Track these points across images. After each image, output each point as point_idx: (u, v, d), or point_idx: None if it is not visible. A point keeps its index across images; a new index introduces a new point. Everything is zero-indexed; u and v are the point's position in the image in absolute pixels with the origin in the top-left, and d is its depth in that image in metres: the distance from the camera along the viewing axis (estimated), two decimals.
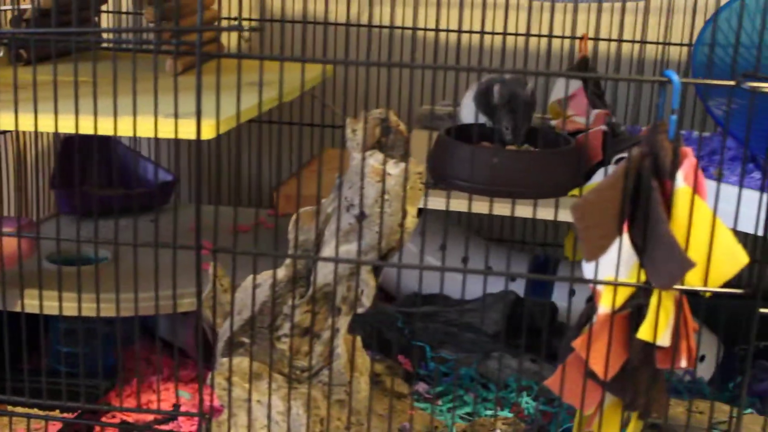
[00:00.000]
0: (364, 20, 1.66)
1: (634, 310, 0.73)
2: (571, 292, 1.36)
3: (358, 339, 0.93)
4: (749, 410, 1.06)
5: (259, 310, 0.95)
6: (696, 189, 0.70)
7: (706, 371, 1.22)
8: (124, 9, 1.67)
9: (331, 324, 0.92)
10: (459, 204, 1.12)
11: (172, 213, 1.50)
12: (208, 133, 0.92)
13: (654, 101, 1.55)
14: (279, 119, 1.50)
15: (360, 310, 0.89)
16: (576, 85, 1.43)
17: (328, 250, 0.91)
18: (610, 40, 1.52)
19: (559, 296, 1.36)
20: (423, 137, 1.40)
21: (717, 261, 0.70)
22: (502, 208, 1.11)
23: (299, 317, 0.93)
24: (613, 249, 0.72)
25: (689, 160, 0.70)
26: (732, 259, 0.70)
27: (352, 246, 0.89)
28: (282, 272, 0.96)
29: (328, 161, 1.04)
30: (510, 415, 1.09)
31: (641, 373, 0.75)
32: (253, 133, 1.73)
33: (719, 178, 0.96)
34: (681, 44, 1.54)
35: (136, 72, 0.83)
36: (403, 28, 1.67)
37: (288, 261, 0.95)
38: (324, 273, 0.91)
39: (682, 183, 0.70)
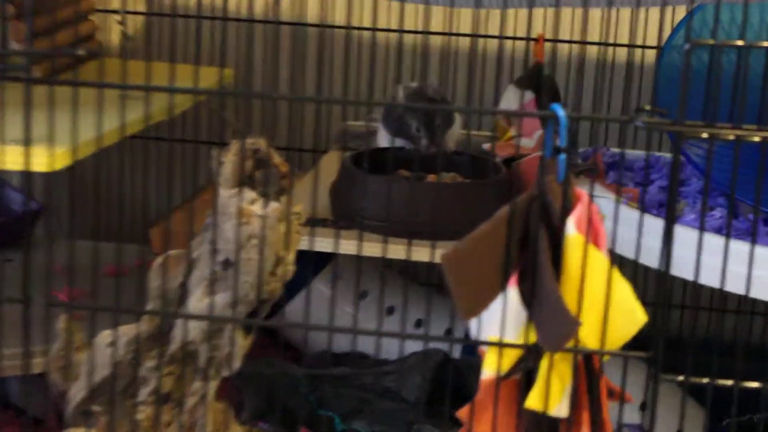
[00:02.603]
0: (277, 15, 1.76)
1: (524, 374, 0.83)
2: None
3: (228, 408, 1.02)
4: None
5: (116, 373, 1.04)
6: (591, 237, 0.80)
7: None
8: None
9: (198, 389, 1.00)
10: (370, 248, 1.21)
11: (40, 248, 1.57)
12: (60, 161, 1.01)
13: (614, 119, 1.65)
14: (169, 136, 1.58)
15: (225, 373, 0.98)
16: (529, 96, 1.53)
17: (192, 302, 1.00)
18: (571, 42, 1.63)
19: None
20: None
21: (614, 319, 0.80)
22: (420, 250, 1.20)
23: (159, 381, 1.02)
24: (498, 305, 0.81)
25: (583, 204, 0.80)
26: (630, 318, 0.79)
27: (218, 298, 0.98)
28: (143, 326, 1.04)
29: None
30: None
31: None
32: (137, 152, 1.82)
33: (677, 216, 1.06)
34: (646, 47, 1.65)
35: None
36: (317, 26, 1.76)
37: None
38: (187, 329, 1.00)
39: (573, 230, 0.79)
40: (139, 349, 1.03)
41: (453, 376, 1.36)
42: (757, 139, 0.76)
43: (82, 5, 1.56)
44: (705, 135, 0.76)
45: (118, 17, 1.52)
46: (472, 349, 1.49)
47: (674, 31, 1.44)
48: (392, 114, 1.29)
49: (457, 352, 1.50)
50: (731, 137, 0.75)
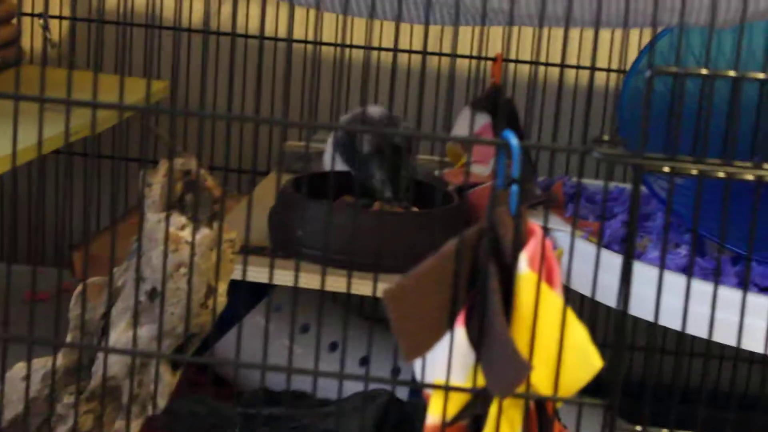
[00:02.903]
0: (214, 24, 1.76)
1: (472, 421, 0.83)
2: None
3: None
4: None
5: (30, 410, 1.03)
6: (545, 275, 0.81)
7: None
8: None
9: (120, 429, 1.00)
10: (309, 279, 1.21)
11: None
12: None
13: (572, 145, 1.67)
14: (95, 151, 1.58)
15: (150, 412, 0.97)
16: (483, 120, 1.54)
17: (115, 335, 1.00)
18: (531, 63, 1.64)
19: None
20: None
21: (568, 363, 0.80)
22: (362, 283, 1.20)
23: (77, 419, 1.01)
24: (443, 345, 0.81)
25: (537, 239, 0.80)
26: (585, 362, 0.80)
27: (143, 330, 0.97)
28: (61, 359, 1.03)
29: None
30: None
31: None
32: (59, 168, 1.81)
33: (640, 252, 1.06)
34: (611, 70, 1.67)
35: None
36: (256, 37, 1.77)
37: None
38: (109, 363, 0.99)
39: (525, 268, 0.80)
40: (55, 384, 1.02)
41: (398, 419, 1.36)
42: (721, 174, 0.76)
43: (2, 7, 1.55)
44: (666, 169, 0.76)
45: (41, 21, 1.52)
46: (420, 391, 1.49)
47: (640, 54, 1.46)
48: (349, 146, 1.30)
49: (404, 392, 1.50)
50: (694, 172, 0.76)
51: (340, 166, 1.38)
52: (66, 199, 1.81)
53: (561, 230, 1.29)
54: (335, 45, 1.76)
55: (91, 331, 1.03)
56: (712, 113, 0.83)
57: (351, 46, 1.78)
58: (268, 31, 1.79)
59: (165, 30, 1.73)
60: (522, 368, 0.77)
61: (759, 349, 1.10)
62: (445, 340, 0.82)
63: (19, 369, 1.04)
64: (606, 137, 0.78)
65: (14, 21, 1.62)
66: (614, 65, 1.70)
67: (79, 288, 1.02)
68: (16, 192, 1.80)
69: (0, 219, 1.81)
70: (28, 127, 0.91)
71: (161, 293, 0.95)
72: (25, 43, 1.76)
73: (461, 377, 0.83)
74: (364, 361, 1.54)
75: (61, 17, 1.78)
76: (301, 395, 1.45)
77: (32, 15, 1.73)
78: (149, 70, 0.78)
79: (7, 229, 1.81)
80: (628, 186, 1.57)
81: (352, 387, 1.43)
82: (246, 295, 1.46)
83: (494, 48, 1.72)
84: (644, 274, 1.00)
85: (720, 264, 1.03)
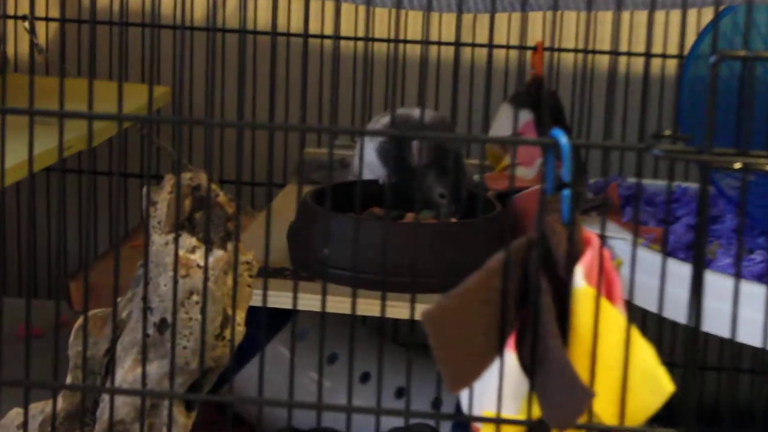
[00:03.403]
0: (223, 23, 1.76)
1: None
2: None
3: None
4: None
5: None
6: (604, 289, 0.80)
7: None
8: None
9: None
10: (338, 303, 1.20)
11: None
12: None
13: (627, 141, 1.66)
14: (91, 167, 1.58)
15: None
16: (526, 117, 1.54)
17: (121, 373, 1.00)
18: (575, 51, 1.64)
19: None
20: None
21: (635, 389, 0.80)
22: (397, 306, 1.20)
23: None
24: (492, 373, 0.81)
25: (593, 249, 0.80)
26: (653, 386, 0.79)
27: (153, 367, 0.97)
28: (61, 403, 1.03)
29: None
30: None
31: None
32: (52, 187, 1.81)
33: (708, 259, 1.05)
34: (667, 56, 1.66)
35: None
36: (267, 33, 1.77)
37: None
38: (115, 405, 0.99)
39: (581, 282, 0.79)
40: None
41: None
42: None
43: None
44: (738, 165, 0.75)
45: (26, 24, 1.52)
46: (465, 425, 1.49)
47: (700, 37, 1.46)
48: (395, 155, 1.30)
49: (447, 427, 1.49)
50: None
51: (378, 175, 1.38)
52: (60, 222, 1.82)
53: (619, 238, 1.28)
54: (356, 39, 1.76)
55: (94, 370, 1.03)
56: None
57: (375, 40, 1.78)
58: (280, 25, 1.79)
59: (164, 29, 1.74)
60: (583, 396, 0.77)
61: None
62: (493, 367, 0.81)
63: (14, 416, 1.04)
64: (668, 132, 0.77)
65: None
66: (671, 51, 1.69)
67: (80, 321, 1.02)
68: (4, 216, 1.81)
69: None
70: (14, 143, 0.91)
71: (171, 325, 0.95)
72: (8, 48, 1.77)
73: (514, 408, 0.83)
74: (400, 393, 1.54)
75: (48, 19, 1.78)
76: None
77: (15, 17, 1.74)
78: (151, 75, 0.77)
79: None
80: (691, 185, 1.56)
81: (387, 422, 1.43)
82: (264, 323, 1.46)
83: (533, 36, 1.71)
84: (715, 284, 0.99)
85: None
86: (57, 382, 0.92)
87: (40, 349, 1.44)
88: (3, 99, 0.85)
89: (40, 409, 1.04)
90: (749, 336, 0.95)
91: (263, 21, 1.81)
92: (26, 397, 0.94)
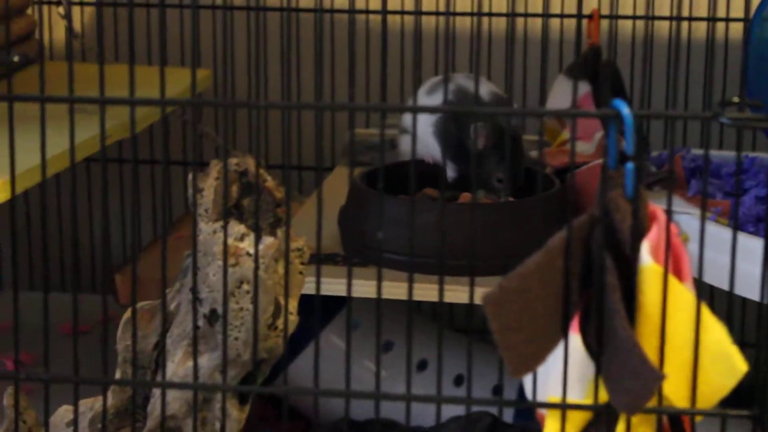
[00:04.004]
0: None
1: None
2: None
3: None
4: None
5: None
6: (672, 266, 0.80)
7: None
8: None
9: None
10: (394, 288, 1.20)
11: None
12: None
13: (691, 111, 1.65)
14: (134, 156, 1.59)
15: None
16: (584, 89, 1.53)
17: (172, 367, 1.00)
18: (634, 17, 1.63)
19: None
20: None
21: (706, 370, 0.79)
22: (455, 290, 1.20)
23: None
24: (556, 357, 0.81)
25: (659, 225, 0.80)
26: (726, 367, 0.79)
27: (204, 360, 0.98)
28: (111, 400, 1.04)
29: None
30: None
31: None
32: (94, 178, 1.82)
33: None
34: (731, 19, 1.64)
35: None
36: (312, 10, 1.77)
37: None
38: (167, 400, 1.00)
39: (648, 259, 0.79)
40: (106, 429, 1.03)
41: None
42: None
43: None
44: None
45: (61, 9, 1.53)
46: (529, 412, 1.49)
47: None
48: (453, 135, 1.30)
49: (509, 414, 1.49)
50: None
51: (430, 153, 1.37)
52: (103, 214, 1.83)
53: (685, 212, 1.27)
54: (404, 12, 1.75)
55: (143, 364, 1.04)
56: None
57: (424, 13, 1.77)
58: (325, 2, 1.79)
59: (204, 9, 1.74)
60: (652, 378, 0.76)
61: None
62: (558, 351, 0.81)
63: (63, 413, 1.05)
64: (736, 99, 0.77)
65: (30, 11, 1.64)
66: (735, 14, 1.68)
67: (127, 315, 1.03)
68: (45, 209, 1.82)
69: (27, 241, 1.83)
70: (53, 133, 0.92)
71: (222, 315, 0.96)
72: (43, 36, 1.78)
73: (580, 393, 0.83)
74: (459, 380, 1.54)
75: (83, 3, 1.79)
76: (390, 424, 1.45)
77: (50, 3, 1.75)
78: (193, 57, 0.78)
79: (38, 252, 1.82)
80: (759, 155, 1.55)
81: (447, 411, 1.42)
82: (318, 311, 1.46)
83: (589, 4, 1.70)
84: None
85: None
86: (107, 377, 0.92)
87: (86, 345, 1.46)
88: (42, 87, 0.85)
89: (89, 405, 1.04)
90: None
91: None
92: (76, 394, 0.94)
